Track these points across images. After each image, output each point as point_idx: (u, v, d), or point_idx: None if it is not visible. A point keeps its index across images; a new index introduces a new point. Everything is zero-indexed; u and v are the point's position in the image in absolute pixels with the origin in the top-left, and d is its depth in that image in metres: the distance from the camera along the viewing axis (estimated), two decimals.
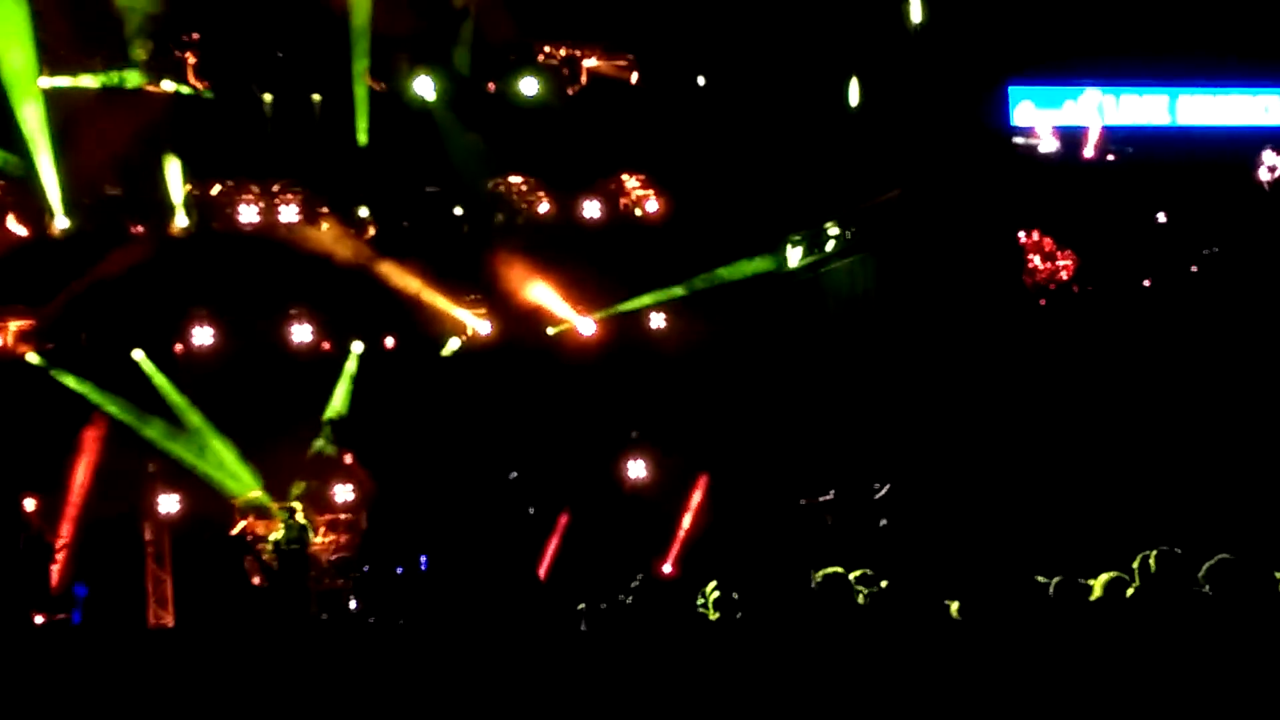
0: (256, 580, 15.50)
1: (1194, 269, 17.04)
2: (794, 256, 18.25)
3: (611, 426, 17.61)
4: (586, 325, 17.13)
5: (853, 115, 17.54)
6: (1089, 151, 16.69)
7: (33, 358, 15.77)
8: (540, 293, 17.39)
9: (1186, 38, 16.64)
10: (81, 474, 15.67)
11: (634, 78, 17.66)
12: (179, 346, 16.33)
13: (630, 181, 17.72)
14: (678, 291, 17.45)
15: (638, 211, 17.69)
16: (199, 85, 15.71)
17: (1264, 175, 17.40)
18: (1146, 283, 16.77)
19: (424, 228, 17.09)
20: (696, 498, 17.36)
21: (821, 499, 16.99)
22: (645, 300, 17.30)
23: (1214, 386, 16.48)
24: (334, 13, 15.32)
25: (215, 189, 15.98)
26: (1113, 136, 16.84)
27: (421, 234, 16.96)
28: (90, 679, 12.55)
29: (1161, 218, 17.03)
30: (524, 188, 17.34)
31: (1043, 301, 16.06)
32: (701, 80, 17.60)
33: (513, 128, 17.25)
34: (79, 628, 15.08)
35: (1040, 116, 17.30)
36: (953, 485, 15.91)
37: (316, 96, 16.34)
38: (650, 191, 17.72)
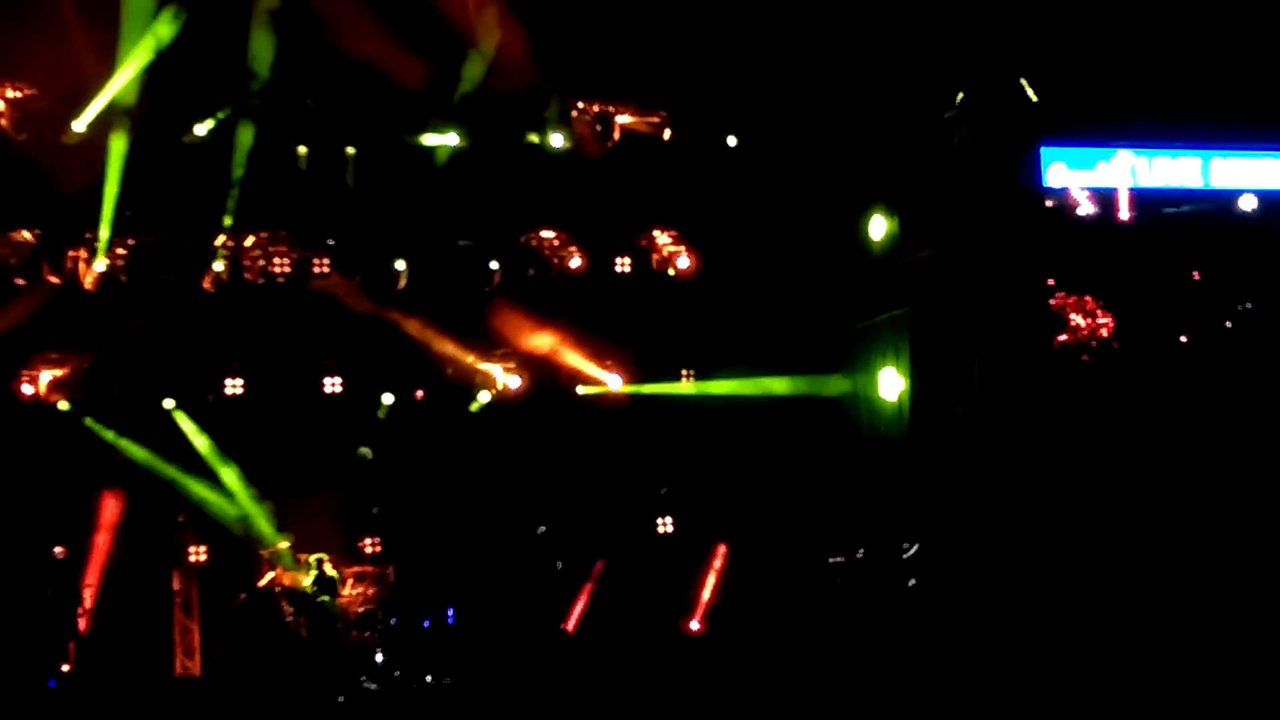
0: (295, 627, 15.32)
1: (1228, 325, 17.30)
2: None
3: (640, 482, 17.45)
4: (615, 382, 17.00)
5: (883, 176, 17.54)
6: (1123, 214, 16.90)
7: (64, 405, 15.72)
8: (570, 349, 17.34)
9: (1220, 101, 16.85)
10: (109, 523, 15.61)
11: (666, 135, 17.69)
12: (210, 396, 16.33)
13: (662, 238, 17.73)
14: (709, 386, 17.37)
15: (669, 269, 17.68)
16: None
17: None
18: (1182, 339, 17.02)
19: (456, 281, 17.08)
20: (720, 556, 17.26)
21: (847, 559, 16.94)
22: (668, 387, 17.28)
23: (1246, 439, 16.53)
24: (366, 65, 15.39)
25: (249, 240, 15.86)
26: (1147, 198, 16.78)
27: (453, 287, 16.96)
28: None
29: (1195, 276, 17.24)
30: (555, 242, 17.37)
31: (1085, 358, 16.35)
32: (733, 140, 17.51)
33: (545, 182, 17.28)
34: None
35: (1072, 177, 17.43)
36: (987, 544, 15.49)
37: (350, 150, 16.22)
38: (681, 248, 17.71)
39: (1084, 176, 17.62)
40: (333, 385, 16.54)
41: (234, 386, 16.16)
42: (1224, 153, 17.35)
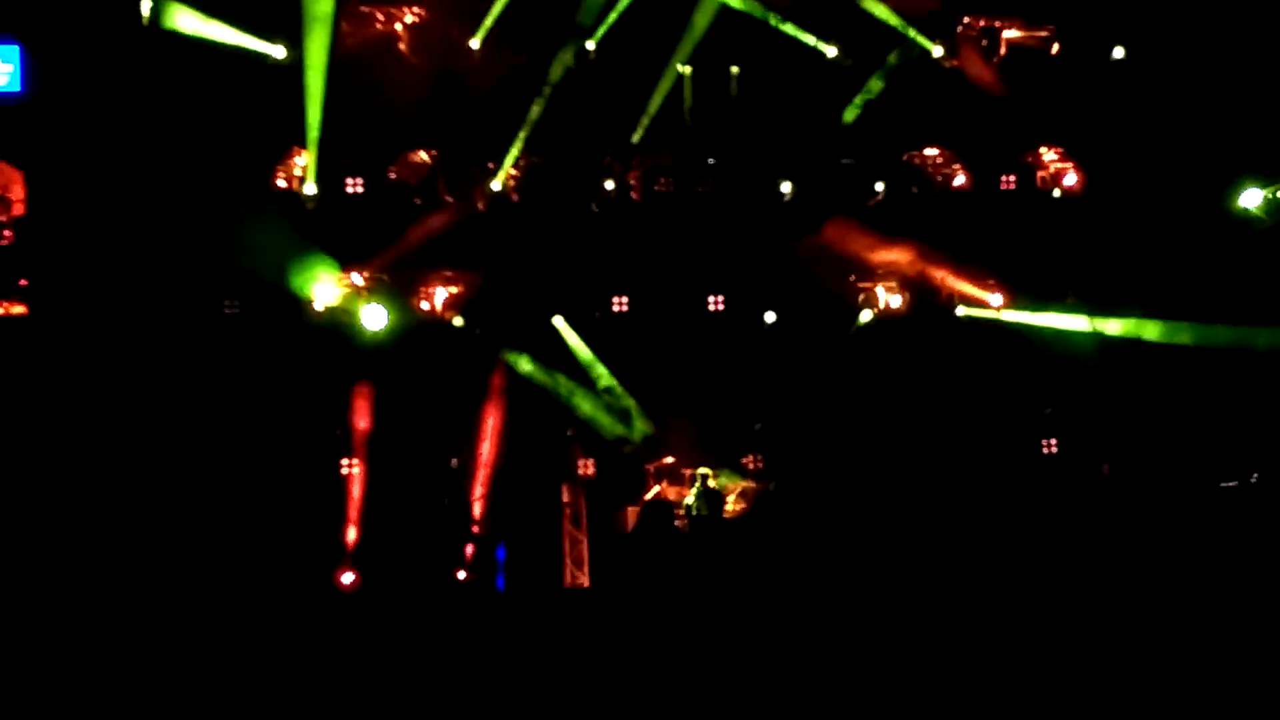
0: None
1: None
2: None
3: (1023, 403, 17.37)
4: (997, 302, 17.00)
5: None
6: None
7: (458, 321, 16.35)
8: (952, 269, 17.40)
9: None
10: (499, 435, 16.20)
11: (1054, 49, 17.47)
12: (597, 313, 16.81)
13: (1048, 154, 17.54)
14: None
15: (1055, 188, 17.53)
16: None
17: None
18: None
19: (839, 199, 17.18)
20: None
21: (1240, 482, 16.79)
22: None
23: None
24: None
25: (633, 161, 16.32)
26: None
27: (836, 205, 17.07)
28: (510, 638, 13.12)
29: None
30: (939, 160, 17.36)
31: None
32: (1120, 52, 17.20)
33: (930, 98, 17.30)
34: (502, 590, 15.83)
35: None
36: None
37: (734, 69, 16.52)
38: (1069, 165, 17.52)
39: None
40: (716, 303, 16.81)
41: (620, 304, 16.61)
42: None
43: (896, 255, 17.34)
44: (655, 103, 16.89)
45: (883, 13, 16.90)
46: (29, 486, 14.96)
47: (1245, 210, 17.69)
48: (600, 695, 10.65)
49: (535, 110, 16.17)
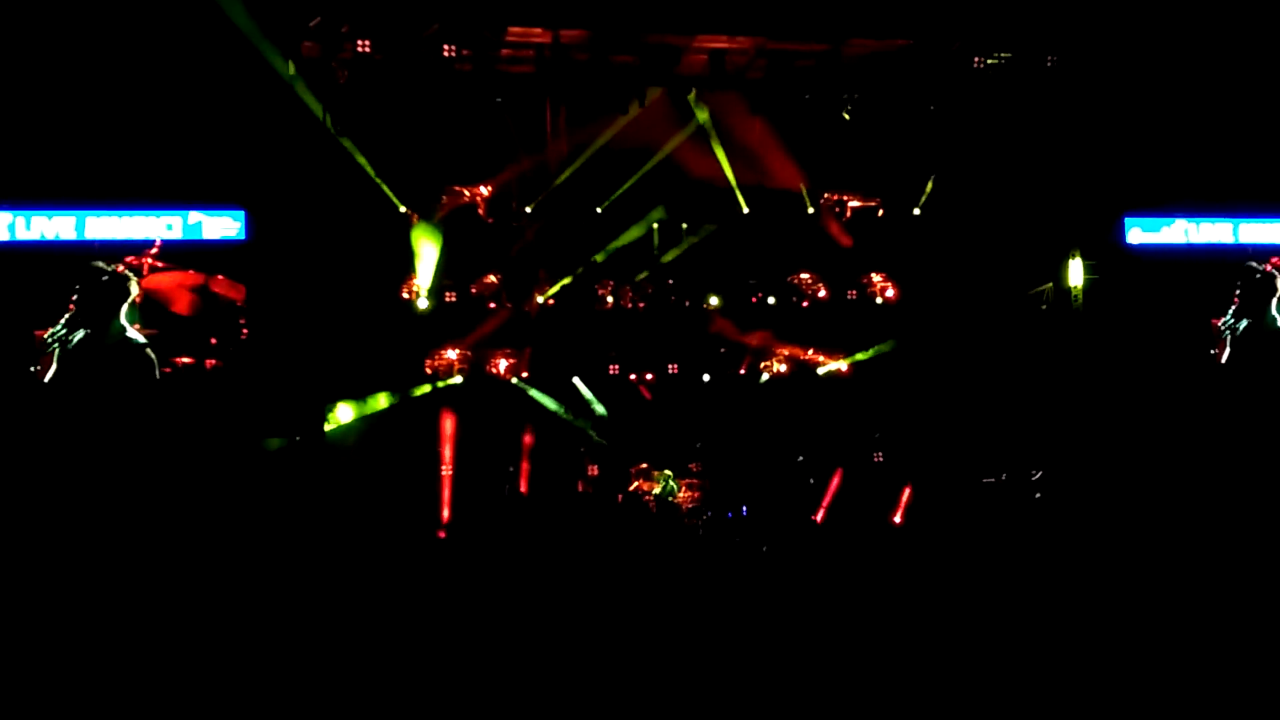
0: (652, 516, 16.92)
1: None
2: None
3: (860, 430, 18.35)
4: (842, 365, 18.45)
5: None
6: None
7: (515, 381, 18.12)
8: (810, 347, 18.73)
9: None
10: (532, 452, 17.73)
11: (880, 212, 18.95)
12: (611, 369, 18.41)
13: (876, 278, 19.15)
14: None
15: (879, 299, 19.01)
16: None
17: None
18: None
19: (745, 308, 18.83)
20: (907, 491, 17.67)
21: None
22: None
23: None
24: None
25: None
26: None
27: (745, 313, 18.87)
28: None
29: None
30: (810, 280, 19.07)
31: None
32: (917, 211, 18.61)
33: (806, 243, 18.85)
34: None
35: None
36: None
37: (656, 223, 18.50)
38: (889, 284, 19.11)
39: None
40: (672, 368, 18.59)
41: (614, 369, 18.46)
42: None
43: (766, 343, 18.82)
44: (628, 238, 18.59)
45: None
46: None
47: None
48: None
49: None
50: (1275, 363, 9.71)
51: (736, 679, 7.45)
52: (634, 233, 18.46)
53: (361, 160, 17.01)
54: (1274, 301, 8.90)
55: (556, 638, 9.20)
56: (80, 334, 7.94)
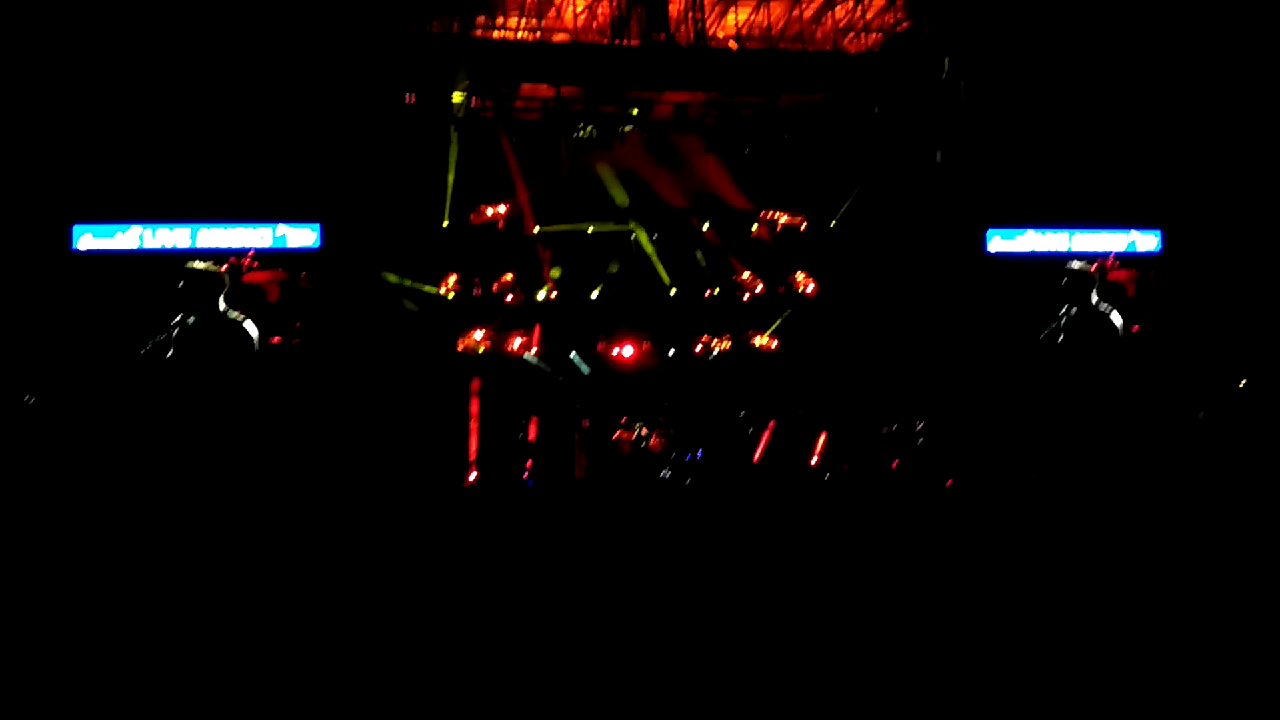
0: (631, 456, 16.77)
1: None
2: None
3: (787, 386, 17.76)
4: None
5: None
6: None
7: (527, 356, 17.56)
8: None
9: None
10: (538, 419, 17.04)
11: (803, 226, 18.55)
12: (599, 346, 17.87)
13: (799, 275, 18.48)
14: None
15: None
16: None
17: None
18: None
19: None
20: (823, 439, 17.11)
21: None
22: None
23: None
24: None
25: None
26: None
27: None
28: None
29: None
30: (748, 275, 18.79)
31: None
32: (833, 224, 18.17)
33: (746, 248, 18.60)
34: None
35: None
36: None
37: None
38: (813, 280, 18.60)
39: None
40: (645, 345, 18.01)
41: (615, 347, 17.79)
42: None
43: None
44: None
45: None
46: None
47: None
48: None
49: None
50: (1099, 340, 9.79)
51: (688, 591, 7.04)
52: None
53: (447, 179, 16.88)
54: (1093, 293, 9.08)
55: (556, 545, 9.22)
56: (191, 320, 7.99)
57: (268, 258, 16.11)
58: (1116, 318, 9.07)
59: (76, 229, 15.57)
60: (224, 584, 6.72)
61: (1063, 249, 18.16)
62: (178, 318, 8.11)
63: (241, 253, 16.25)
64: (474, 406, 16.73)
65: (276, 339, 15.36)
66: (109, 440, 13.02)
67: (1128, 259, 18.06)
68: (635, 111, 17.16)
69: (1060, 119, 17.48)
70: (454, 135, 16.57)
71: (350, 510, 11.83)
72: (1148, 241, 18.30)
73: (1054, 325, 9.54)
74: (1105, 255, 17.97)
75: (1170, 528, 8.96)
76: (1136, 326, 16.40)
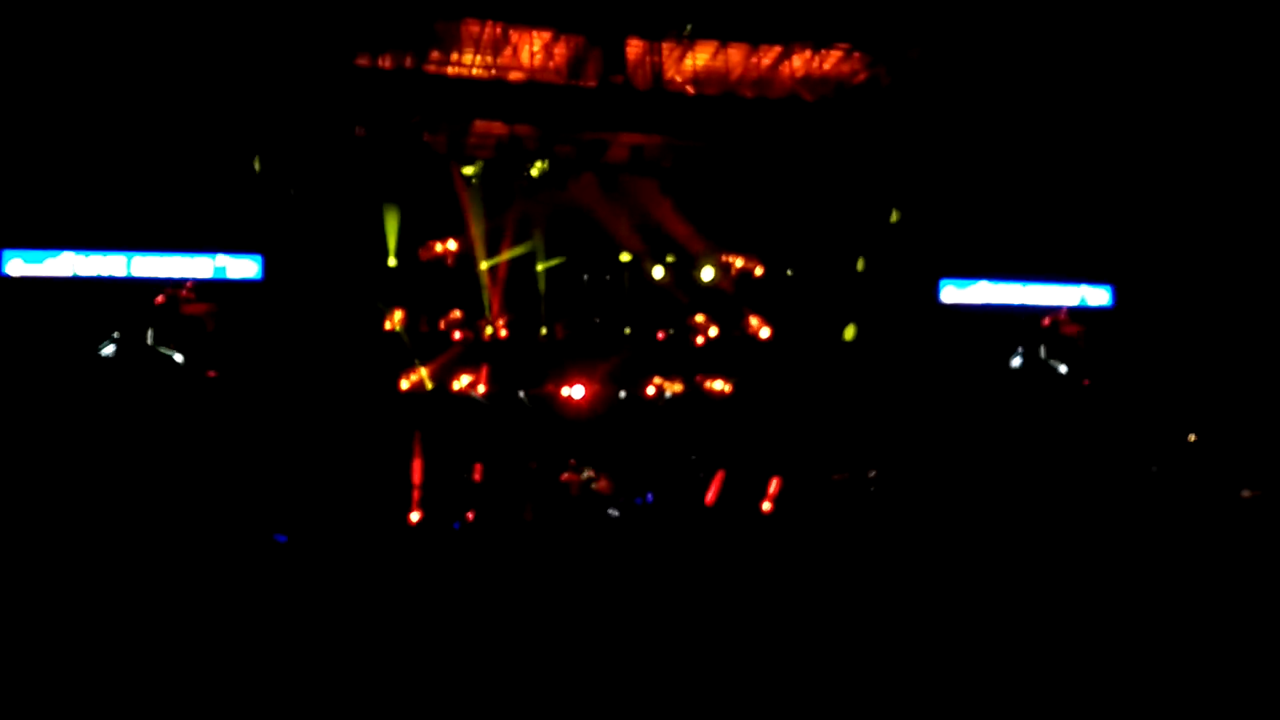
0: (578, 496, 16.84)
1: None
2: None
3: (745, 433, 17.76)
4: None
5: None
6: None
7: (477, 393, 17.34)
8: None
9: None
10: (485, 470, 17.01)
11: (758, 271, 18.89)
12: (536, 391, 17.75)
13: (752, 320, 18.71)
14: None
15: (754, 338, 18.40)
16: None
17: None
18: None
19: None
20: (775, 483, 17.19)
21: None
22: None
23: None
24: None
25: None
26: None
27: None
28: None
29: None
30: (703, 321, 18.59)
31: None
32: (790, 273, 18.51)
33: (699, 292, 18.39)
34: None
35: None
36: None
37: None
38: (763, 325, 18.72)
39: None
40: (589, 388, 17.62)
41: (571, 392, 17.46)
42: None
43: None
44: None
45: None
46: None
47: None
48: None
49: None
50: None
51: (644, 614, 7.54)
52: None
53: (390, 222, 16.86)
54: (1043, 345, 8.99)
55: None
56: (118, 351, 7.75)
57: (206, 289, 15.85)
58: (1065, 370, 9.15)
59: (6, 254, 15.43)
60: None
61: (1015, 301, 18.42)
62: (106, 350, 8.06)
63: (179, 283, 15.69)
64: (418, 445, 16.60)
65: (212, 373, 15.41)
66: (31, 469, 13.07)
67: (1079, 313, 18.34)
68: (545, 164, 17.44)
69: (1014, 174, 18.11)
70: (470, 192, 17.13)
71: (293, 545, 12.12)
72: (1099, 296, 18.62)
73: (1008, 375, 9.65)
74: (1057, 309, 18.23)
75: (1125, 575, 8.97)
76: (1087, 380, 17.45)
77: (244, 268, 16.22)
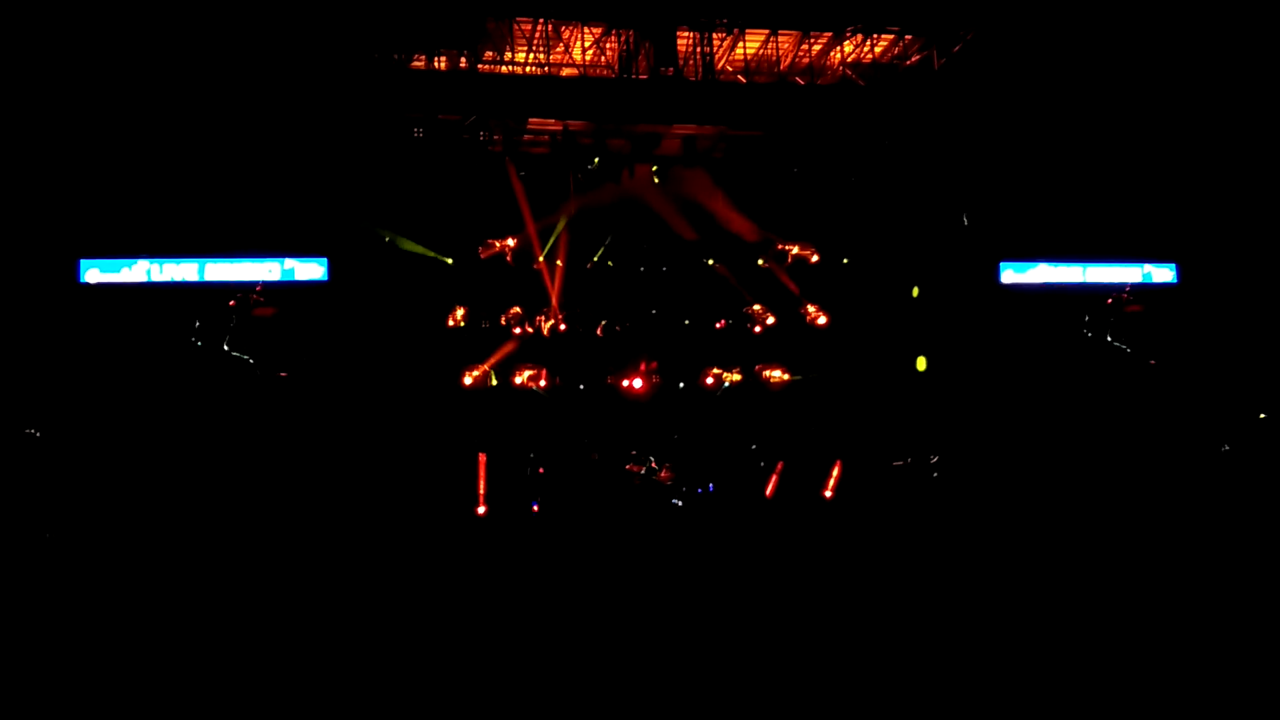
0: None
1: None
2: None
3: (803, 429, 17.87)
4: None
5: None
6: None
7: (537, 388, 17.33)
8: None
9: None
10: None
11: (814, 259, 18.63)
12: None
13: (811, 308, 18.57)
14: None
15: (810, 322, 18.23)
16: None
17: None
18: None
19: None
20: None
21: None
22: None
23: None
24: None
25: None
26: None
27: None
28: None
29: None
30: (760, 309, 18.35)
31: None
32: (846, 260, 18.41)
33: (759, 276, 18.38)
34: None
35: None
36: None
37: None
38: (822, 316, 18.55)
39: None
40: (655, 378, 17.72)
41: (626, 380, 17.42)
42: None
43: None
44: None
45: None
46: None
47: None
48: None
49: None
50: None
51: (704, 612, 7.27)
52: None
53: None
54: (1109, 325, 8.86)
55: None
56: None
57: (275, 292, 16.22)
58: (1130, 350, 8.98)
59: (83, 263, 15.78)
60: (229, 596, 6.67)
61: (1076, 281, 18.19)
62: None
63: (250, 286, 16.19)
64: (482, 441, 16.98)
65: (284, 373, 15.89)
66: (110, 475, 13.66)
67: (1143, 291, 18.07)
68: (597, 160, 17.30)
69: (1075, 152, 17.78)
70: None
71: (363, 541, 12.34)
72: (1163, 274, 18.28)
73: (1070, 357, 9.43)
74: (1121, 288, 17.95)
75: (1197, 560, 8.81)
76: (1153, 360, 17.47)
77: (310, 270, 16.58)
